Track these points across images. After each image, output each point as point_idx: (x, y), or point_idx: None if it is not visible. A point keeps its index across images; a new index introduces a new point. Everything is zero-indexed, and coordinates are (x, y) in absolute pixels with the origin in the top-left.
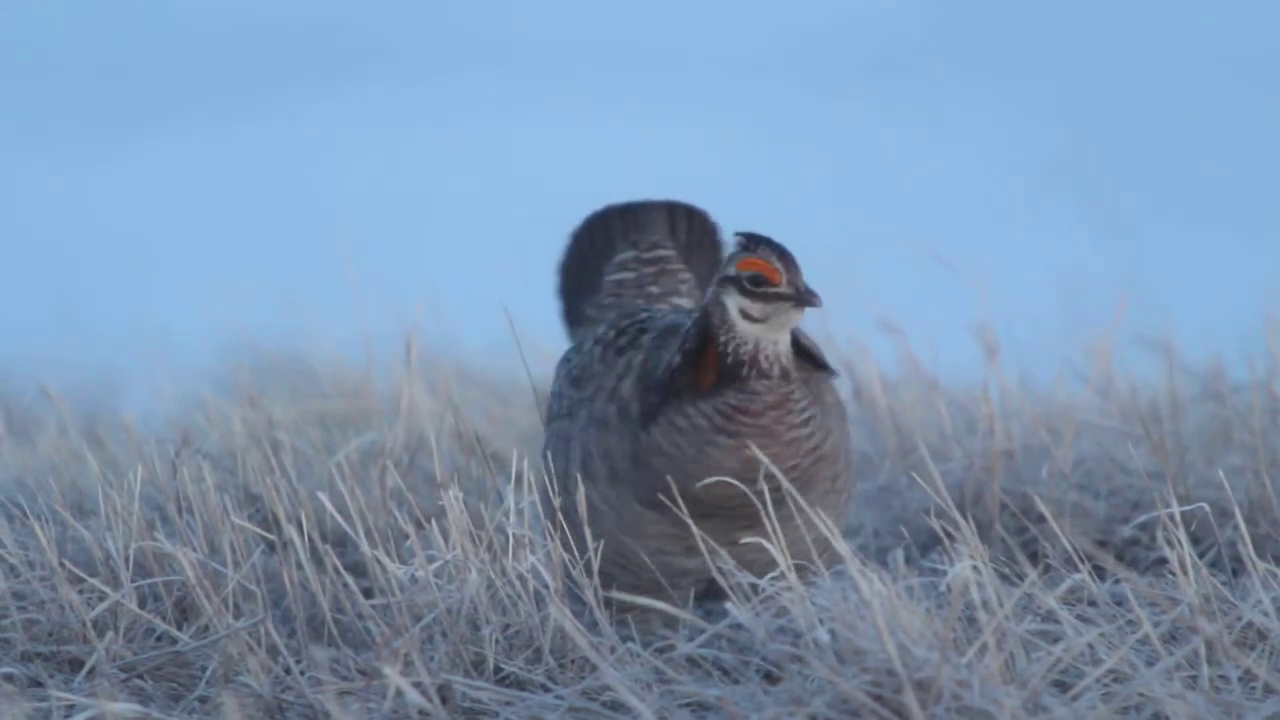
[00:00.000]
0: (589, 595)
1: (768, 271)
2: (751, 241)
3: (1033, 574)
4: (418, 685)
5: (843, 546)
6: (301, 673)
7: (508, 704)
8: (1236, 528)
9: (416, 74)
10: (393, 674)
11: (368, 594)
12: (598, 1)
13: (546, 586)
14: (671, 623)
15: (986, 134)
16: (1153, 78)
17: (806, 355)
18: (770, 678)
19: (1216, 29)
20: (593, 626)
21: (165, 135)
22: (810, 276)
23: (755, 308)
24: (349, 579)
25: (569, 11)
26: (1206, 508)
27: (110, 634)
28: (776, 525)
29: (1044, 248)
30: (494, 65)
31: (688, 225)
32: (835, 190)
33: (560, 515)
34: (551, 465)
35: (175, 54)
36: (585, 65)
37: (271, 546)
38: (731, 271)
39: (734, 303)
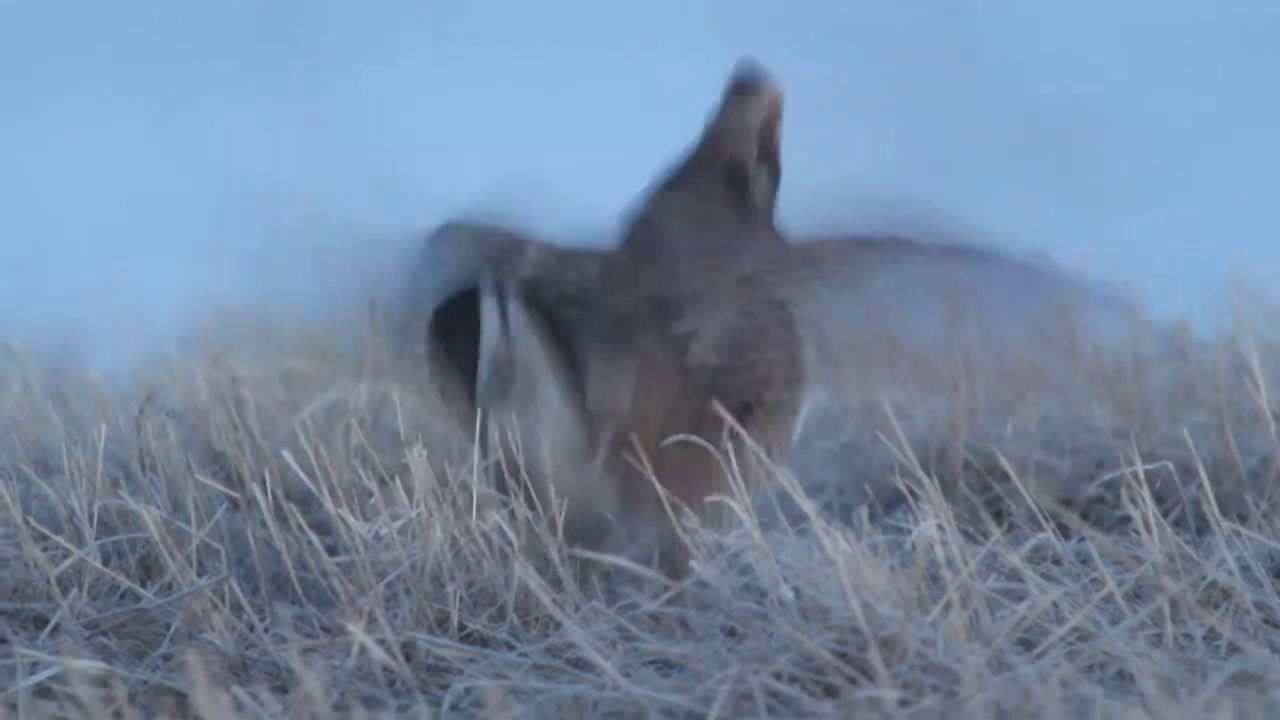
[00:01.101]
0: (553, 553)
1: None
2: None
3: (997, 533)
4: (381, 642)
5: (807, 504)
6: (265, 630)
7: (471, 661)
8: (1200, 486)
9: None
10: (357, 631)
11: (332, 551)
12: None
13: (510, 544)
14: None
15: (950, 88)
16: (1121, 39)
17: None
18: (735, 635)
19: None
20: (557, 584)
21: (131, 97)
22: None
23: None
24: (313, 536)
25: None
26: (1171, 466)
27: (74, 591)
28: None
29: (1008, 208)
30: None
31: None
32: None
33: None
34: None
35: (143, 11)
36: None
37: (235, 504)
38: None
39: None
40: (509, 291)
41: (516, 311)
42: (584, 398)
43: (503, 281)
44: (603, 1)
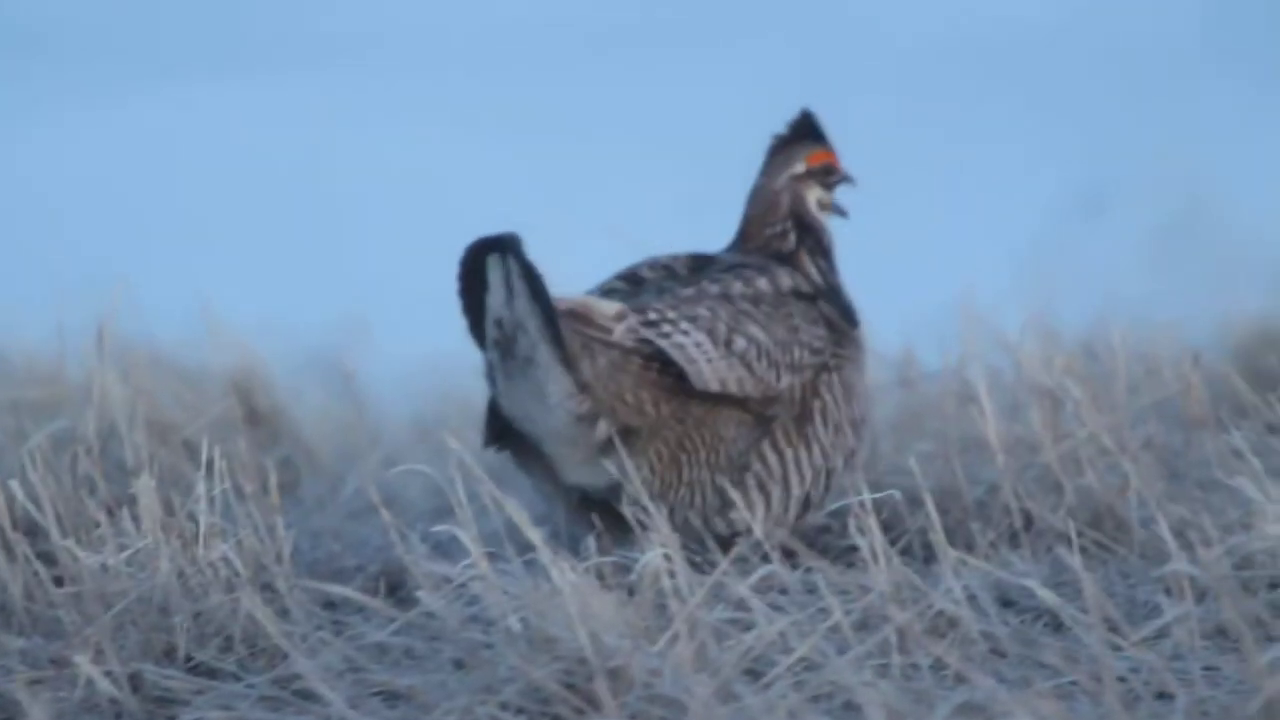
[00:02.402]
0: (281, 583)
1: (835, 162)
2: (813, 126)
3: (724, 562)
4: (109, 674)
5: (534, 534)
6: None
7: (199, 692)
8: (927, 515)
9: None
10: (83, 663)
11: (59, 582)
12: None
13: (238, 574)
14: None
15: (701, 109)
16: (853, 63)
17: None
18: (462, 666)
19: (914, 21)
20: (284, 614)
21: None
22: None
23: (827, 197)
24: (39, 567)
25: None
26: (898, 495)
27: None
28: None
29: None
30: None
31: None
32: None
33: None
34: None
35: None
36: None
37: None
38: (802, 168)
39: (814, 199)
40: (515, 257)
41: (520, 277)
42: (582, 370)
43: (510, 245)
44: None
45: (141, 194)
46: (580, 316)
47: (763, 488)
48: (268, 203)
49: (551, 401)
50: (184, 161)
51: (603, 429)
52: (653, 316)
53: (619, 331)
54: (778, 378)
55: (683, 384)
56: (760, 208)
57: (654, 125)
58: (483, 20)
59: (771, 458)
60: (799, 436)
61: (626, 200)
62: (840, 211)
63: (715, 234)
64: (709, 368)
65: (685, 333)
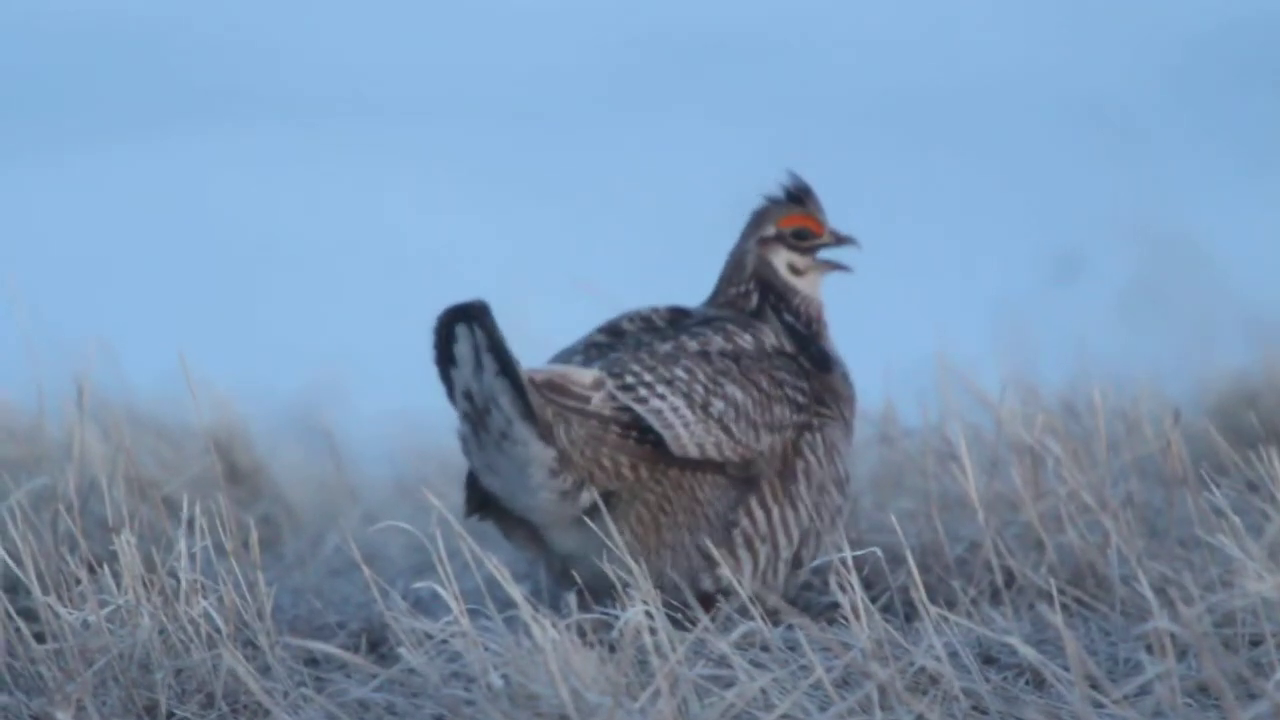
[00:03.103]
0: (263, 639)
1: (813, 225)
2: (799, 192)
3: (705, 619)
4: None
5: (515, 591)
6: None
7: None
8: (909, 572)
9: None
10: (65, 719)
11: (40, 639)
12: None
13: (219, 630)
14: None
15: (675, 168)
16: (834, 114)
17: None
18: None
19: (890, 72)
20: (265, 671)
21: None
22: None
23: (803, 260)
24: (21, 624)
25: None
26: (879, 552)
27: None
28: None
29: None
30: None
31: None
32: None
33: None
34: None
35: None
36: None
37: None
38: (772, 231)
39: (784, 262)
40: (482, 327)
41: (488, 350)
42: (561, 443)
43: (476, 314)
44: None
45: (119, 250)
46: (557, 387)
47: (749, 545)
48: (245, 260)
49: (533, 480)
50: (161, 218)
51: (585, 498)
52: (629, 380)
53: (597, 400)
54: (757, 438)
55: (660, 449)
56: (729, 268)
57: (627, 184)
58: (459, 81)
59: (759, 514)
60: (784, 495)
61: (602, 258)
62: (840, 267)
63: (688, 294)
64: (686, 433)
65: (662, 397)
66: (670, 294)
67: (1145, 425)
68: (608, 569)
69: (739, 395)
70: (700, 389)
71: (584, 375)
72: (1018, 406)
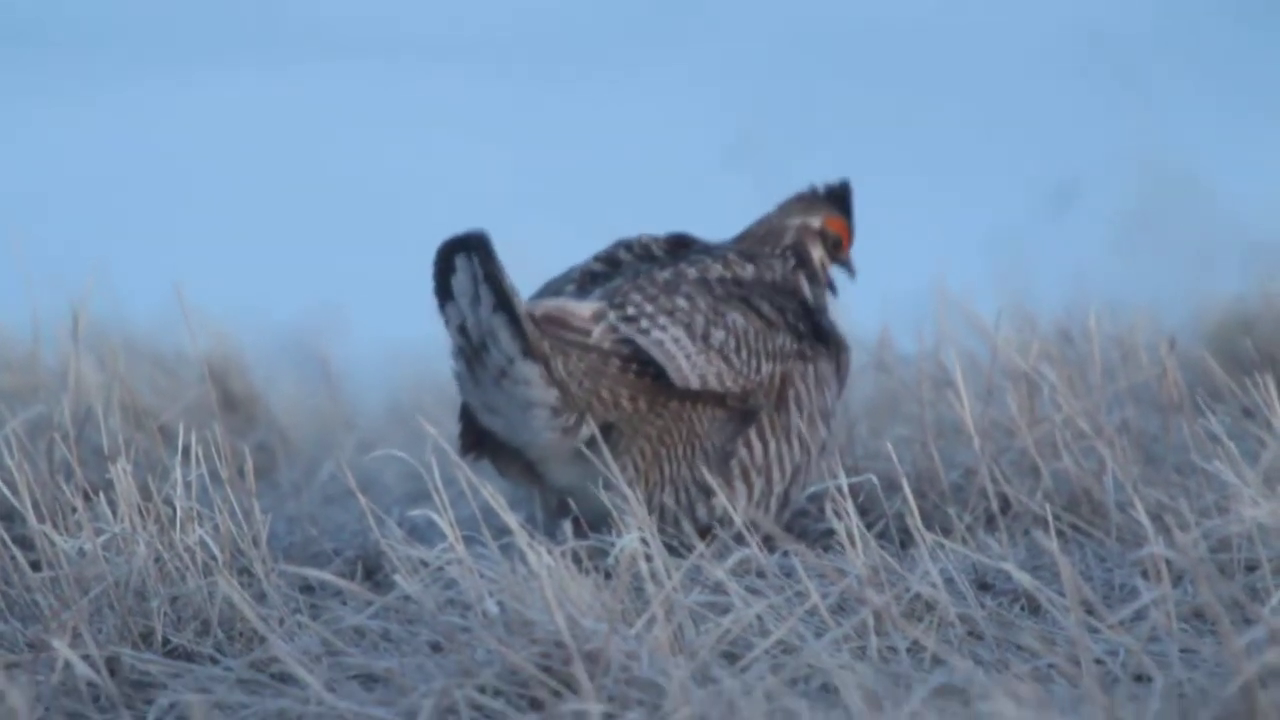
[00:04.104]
0: (258, 567)
1: (846, 240)
2: (846, 201)
3: (701, 546)
4: (86, 658)
5: (511, 518)
6: None
7: (176, 676)
8: (904, 499)
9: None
10: (61, 647)
11: (36, 567)
12: None
13: (215, 558)
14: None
15: (672, 107)
16: (833, 46)
17: None
18: (439, 649)
19: (887, 12)
20: (261, 598)
21: None
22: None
23: (827, 261)
24: (17, 552)
25: None
26: (874, 479)
27: None
28: None
29: (725, 221)
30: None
31: None
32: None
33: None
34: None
35: None
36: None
37: None
38: (819, 224)
39: (818, 255)
40: (480, 258)
41: (485, 281)
42: (559, 370)
43: (476, 245)
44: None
45: (116, 180)
46: (556, 321)
47: (746, 477)
48: (243, 189)
49: (535, 419)
50: (158, 147)
51: (585, 432)
52: (631, 312)
53: (597, 333)
54: (758, 368)
55: (661, 381)
56: (764, 230)
57: (627, 121)
58: (461, 14)
59: (757, 446)
60: (780, 427)
61: (601, 195)
62: (849, 274)
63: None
64: (688, 364)
65: (663, 328)
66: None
67: (1141, 352)
68: (605, 499)
69: (740, 323)
70: (701, 319)
71: (584, 308)
72: (1013, 334)
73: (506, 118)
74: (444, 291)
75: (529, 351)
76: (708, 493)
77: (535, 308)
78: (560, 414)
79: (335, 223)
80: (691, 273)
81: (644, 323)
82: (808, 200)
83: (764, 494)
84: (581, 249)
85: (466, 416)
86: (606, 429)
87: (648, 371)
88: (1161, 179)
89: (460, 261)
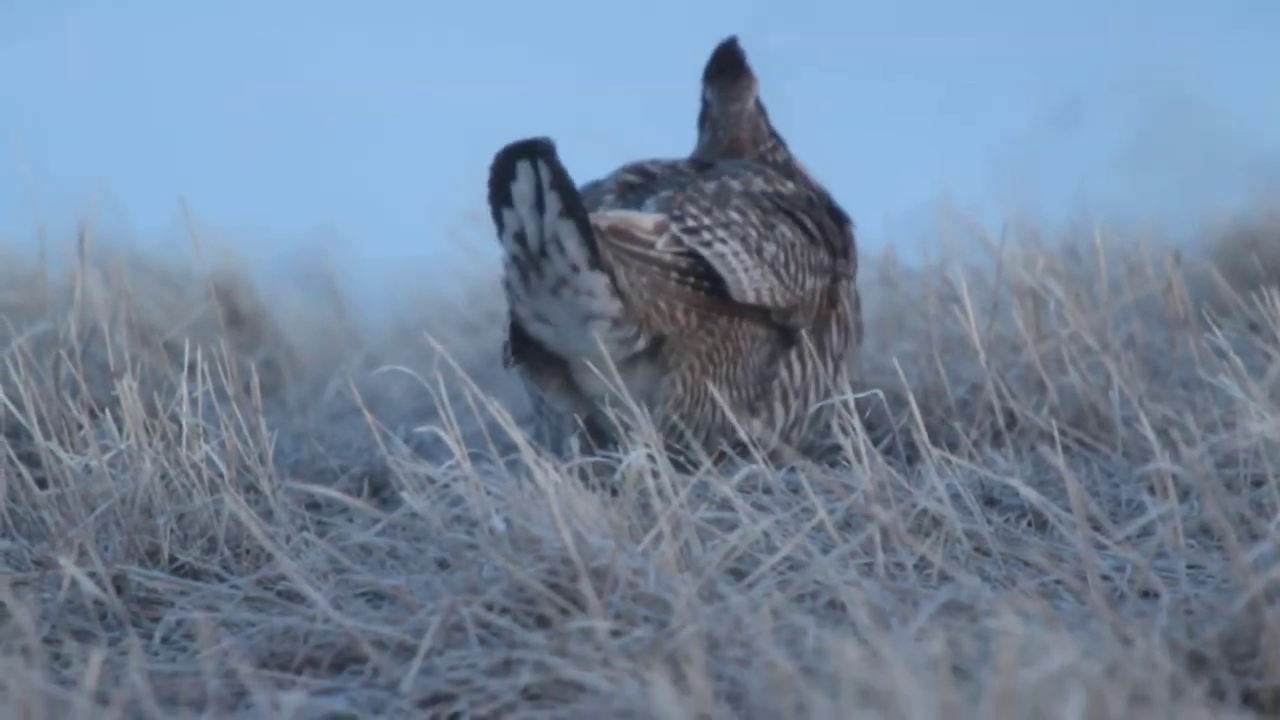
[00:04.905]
0: (264, 484)
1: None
2: (740, 55)
3: (707, 462)
4: (92, 575)
5: (517, 434)
6: None
7: (183, 593)
8: (911, 415)
9: None
10: (67, 564)
11: (42, 484)
12: None
13: (221, 475)
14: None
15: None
16: None
17: None
18: (446, 566)
19: None
20: (268, 515)
21: None
22: None
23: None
24: (23, 469)
25: None
26: (881, 394)
27: None
28: None
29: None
30: None
31: None
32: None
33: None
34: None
35: None
36: None
37: None
38: (758, 94)
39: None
40: (547, 164)
41: (553, 188)
42: (624, 290)
43: (542, 151)
44: None
45: (122, 97)
46: (621, 233)
47: (784, 399)
48: (249, 107)
49: (594, 328)
50: (165, 65)
51: (640, 344)
52: (691, 224)
53: (660, 244)
54: (803, 283)
55: (716, 295)
56: (748, 130)
57: (635, 38)
58: None
59: (796, 367)
60: (819, 348)
61: (611, 112)
62: None
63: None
64: (746, 278)
65: (724, 241)
66: (678, 148)
67: (1147, 266)
68: (609, 413)
69: (788, 236)
70: (754, 232)
71: (646, 219)
72: (1019, 248)
73: (513, 33)
74: (502, 197)
75: (596, 263)
76: (753, 412)
77: (599, 219)
78: (621, 325)
79: (342, 139)
80: (736, 185)
81: (706, 235)
82: (735, 77)
83: (799, 415)
84: (600, 167)
85: (515, 327)
86: (657, 343)
87: (703, 285)
88: (1167, 94)
89: (523, 167)
